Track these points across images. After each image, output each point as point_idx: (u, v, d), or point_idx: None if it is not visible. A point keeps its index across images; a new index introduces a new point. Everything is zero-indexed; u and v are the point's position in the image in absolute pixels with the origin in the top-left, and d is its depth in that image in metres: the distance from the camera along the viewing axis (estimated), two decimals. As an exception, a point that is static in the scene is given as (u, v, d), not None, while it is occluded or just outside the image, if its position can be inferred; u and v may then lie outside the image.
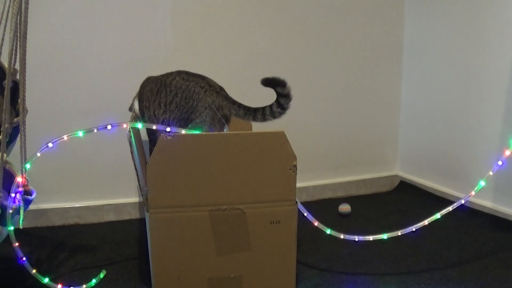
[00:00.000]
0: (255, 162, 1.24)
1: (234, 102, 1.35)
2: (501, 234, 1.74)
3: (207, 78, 1.42)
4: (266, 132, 1.24)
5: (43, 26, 1.77)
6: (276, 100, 1.31)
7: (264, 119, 1.32)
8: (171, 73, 1.44)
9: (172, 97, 1.39)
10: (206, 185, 1.23)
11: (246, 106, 1.35)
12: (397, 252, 1.60)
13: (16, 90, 1.20)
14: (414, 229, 1.47)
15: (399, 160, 2.42)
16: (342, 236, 1.47)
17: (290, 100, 1.31)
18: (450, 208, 1.48)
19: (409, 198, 2.24)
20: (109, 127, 1.28)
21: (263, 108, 1.32)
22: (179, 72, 1.44)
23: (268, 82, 1.31)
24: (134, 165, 1.50)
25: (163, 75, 1.46)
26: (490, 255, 1.57)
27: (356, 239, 1.50)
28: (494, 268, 1.47)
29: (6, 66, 1.15)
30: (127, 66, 1.90)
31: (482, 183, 1.48)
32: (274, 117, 1.32)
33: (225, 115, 1.35)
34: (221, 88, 1.40)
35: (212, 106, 1.34)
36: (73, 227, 1.90)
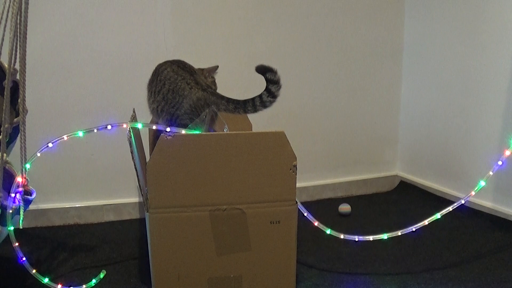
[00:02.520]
0: (255, 162, 1.24)
1: (222, 97, 1.35)
2: (501, 234, 1.74)
3: (196, 74, 1.41)
4: (266, 132, 1.24)
5: (43, 26, 1.77)
6: (267, 89, 1.31)
7: (255, 110, 1.32)
8: (166, 61, 1.45)
9: (160, 87, 1.38)
10: (206, 185, 1.23)
11: (235, 100, 1.34)
12: (397, 252, 1.60)
13: (16, 90, 1.20)
14: (414, 229, 1.47)
15: (399, 160, 2.42)
16: (342, 236, 1.47)
17: (280, 87, 1.31)
18: (450, 208, 1.48)
19: (409, 198, 2.24)
20: (109, 127, 1.27)
21: (253, 99, 1.32)
22: (172, 62, 1.44)
23: (260, 69, 1.32)
24: (134, 165, 1.49)
25: (161, 63, 1.47)
26: (490, 255, 1.57)
27: (356, 239, 1.50)
28: (494, 268, 1.47)
29: (6, 66, 1.15)
30: (127, 66, 1.90)
31: (482, 183, 1.48)
32: (265, 106, 1.32)
33: (213, 111, 1.35)
34: (208, 86, 1.40)
35: (198, 103, 1.34)
36: (73, 227, 1.90)
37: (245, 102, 1.32)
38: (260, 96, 1.31)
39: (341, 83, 2.24)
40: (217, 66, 1.59)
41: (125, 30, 1.89)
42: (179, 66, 1.42)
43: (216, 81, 1.59)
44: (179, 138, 1.21)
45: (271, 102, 1.31)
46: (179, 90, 1.35)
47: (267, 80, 1.31)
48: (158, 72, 1.42)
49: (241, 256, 1.27)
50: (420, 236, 1.58)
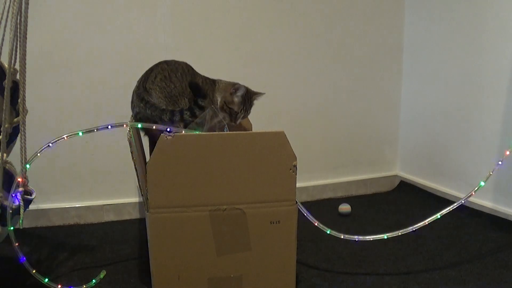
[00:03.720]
0: (255, 162, 1.24)
1: (142, 100, 1.34)
2: (501, 234, 1.74)
3: (151, 78, 1.40)
4: (266, 132, 1.24)
5: (43, 26, 1.77)
6: (190, 108, 1.32)
7: (172, 123, 1.30)
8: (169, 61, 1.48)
9: None
10: (206, 185, 1.23)
11: (153, 106, 1.33)
12: (397, 252, 1.60)
13: (16, 90, 1.20)
14: (414, 229, 1.47)
15: (399, 160, 2.42)
16: (342, 236, 1.47)
17: (203, 112, 1.32)
18: (450, 208, 1.48)
19: (409, 198, 2.24)
20: (109, 127, 1.28)
21: (172, 112, 1.31)
22: (165, 62, 1.46)
23: (193, 87, 1.35)
24: (134, 165, 1.49)
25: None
26: (490, 255, 1.57)
27: (356, 239, 1.50)
28: (494, 268, 1.47)
29: (6, 66, 1.15)
30: (127, 66, 1.90)
31: (482, 183, 1.48)
32: (184, 123, 1.31)
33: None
34: (145, 88, 1.38)
35: (132, 95, 1.41)
36: (73, 227, 1.90)
37: (162, 111, 1.32)
38: (180, 112, 1.31)
39: (341, 83, 2.24)
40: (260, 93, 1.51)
41: (125, 30, 1.89)
42: (159, 70, 1.43)
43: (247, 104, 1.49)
44: (179, 138, 1.21)
45: (190, 122, 1.31)
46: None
47: (195, 103, 1.33)
48: None
49: (241, 256, 1.27)
50: (420, 236, 1.58)
